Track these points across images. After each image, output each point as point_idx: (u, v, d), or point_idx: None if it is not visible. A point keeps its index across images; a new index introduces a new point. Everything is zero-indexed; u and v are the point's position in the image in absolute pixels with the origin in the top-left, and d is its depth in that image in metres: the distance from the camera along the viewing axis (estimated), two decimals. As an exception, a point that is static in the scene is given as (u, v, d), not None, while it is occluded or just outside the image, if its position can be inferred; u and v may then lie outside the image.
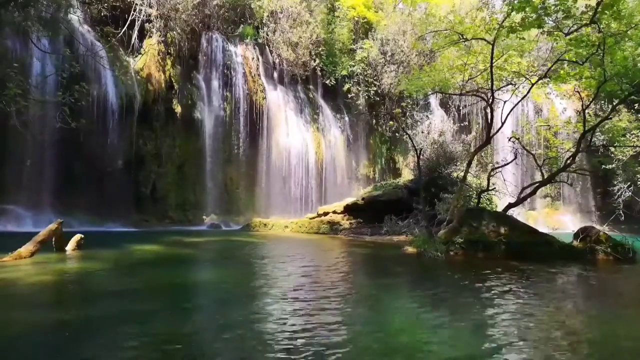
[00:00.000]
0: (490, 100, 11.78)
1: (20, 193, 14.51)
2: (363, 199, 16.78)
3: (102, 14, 17.58)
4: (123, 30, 17.77)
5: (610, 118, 13.51)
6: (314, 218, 16.99)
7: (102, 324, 4.05)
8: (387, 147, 25.71)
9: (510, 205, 11.62)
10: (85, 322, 4.07)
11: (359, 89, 24.28)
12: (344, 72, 23.97)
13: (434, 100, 25.75)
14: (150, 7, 18.54)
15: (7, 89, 11.21)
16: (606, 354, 3.63)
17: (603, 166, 19.34)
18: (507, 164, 13.04)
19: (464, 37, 11.23)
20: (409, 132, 17.45)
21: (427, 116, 22.40)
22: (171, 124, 18.94)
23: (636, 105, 18.02)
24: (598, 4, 9.28)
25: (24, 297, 5.05)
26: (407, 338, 3.80)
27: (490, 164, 20.27)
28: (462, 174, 13.22)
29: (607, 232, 10.39)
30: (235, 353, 3.32)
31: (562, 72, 11.64)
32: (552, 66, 11.49)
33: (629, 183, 19.42)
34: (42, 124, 14.33)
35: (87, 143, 15.65)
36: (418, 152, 12.54)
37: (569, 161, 11.90)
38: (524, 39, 11.22)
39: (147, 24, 18.58)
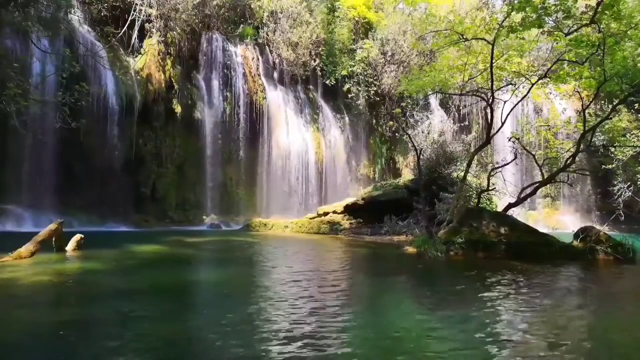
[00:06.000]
0: (490, 100, 11.78)
1: (20, 193, 14.52)
2: (363, 199, 16.78)
3: (102, 14, 17.59)
4: (123, 30, 17.78)
5: (610, 118, 13.51)
6: (314, 218, 16.99)
7: (102, 324, 4.05)
8: (387, 147, 25.71)
9: (510, 205, 11.62)
10: (85, 322, 4.06)
11: (359, 89, 24.27)
12: (344, 72, 23.96)
13: (434, 100, 25.75)
14: (150, 7, 18.54)
15: (7, 89, 11.22)
16: (606, 354, 3.63)
17: (603, 166, 19.35)
18: (507, 164, 13.03)
19: (464, 37, 11.22)
20: (409, 132, 17.45)
21: (427, 116, 22.40)
22: (171, 124, 18.95)
23: (636, 105, 18.03)
24: (598, 4, 9.28)
25: (24, 297, 5.05)
26: (407, 338, 3.80)
27: (490, 164, 20.26)
28: (462, 174, 13.22)
29: (607, 232, 10.38)
30: (235, 353, 3.32)
31: (562, 72, 11.63)
32: (552, 66, 11.49)
33: (629, 183, 19.41)
34: (42, 124, 14.34)
35: (87, 143, 15.67)
36: (418, 152, 12.54)
37: (569, 161, 11.90)
38: (524, 39, 11.21)
39: (147, 24, 18.58)
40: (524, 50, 12.01)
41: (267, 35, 22.35)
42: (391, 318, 4.46)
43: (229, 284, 6.27)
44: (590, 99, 13.29)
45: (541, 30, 11.02)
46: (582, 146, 11.74)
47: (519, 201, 11.94)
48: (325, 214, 16.97)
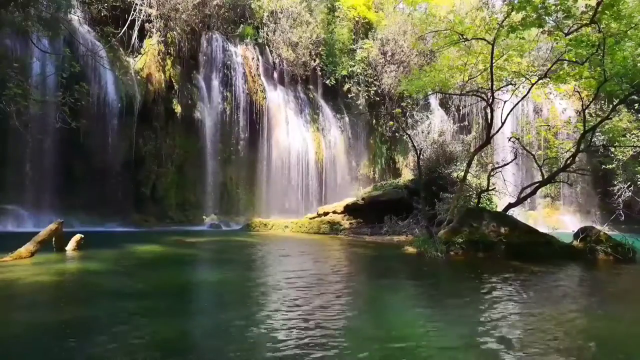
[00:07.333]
0: (490, 100, 11.77)
1: (20, 193, 14.52)
2: (363, 199, 16.78)
3: (102, 14, 17.58)
4: (123, 30, 17.78)
5: (610, 118, 13.51)
6: (314, 218, 16.99)
7: (102, 325, 4.05)
8: (387, 147, 25.72)
9: (510, 205, 11.62)
10: (85, 323, 4.07)
11: (359, 89, 24.28)
12: (344, 72, 23.97)
13: (434, 100, 25.75)
14: (150, 7, 18.54)
15: (7, 89, 11.22)
16: (606, 353, 3.63)
17: (603, 166, 19.36)
18: (507, 164, 13.04)
19: (464, 37, 11.22)
20: (409, 132, 17.45)
21: (427, 116, 22.43)
22: (171, 124, 18.95)
23: (636, 105, 18.03)
24: (598, 4, 9.27)
25: (24, 297, 5.05)
26: (407, 338, 3.80)
27: (490, 164, 20.24)
28: (462, 174, 13.22)
29: (607, 232, 10.38)
30: (235, 354, 3.32)
31: (562, 72, 11.62)
32: (552, 66, 11.49)
33: (629, 183, 19.43)
34: (42, 124, 14.33)
35: (87, 143, 15.67)
36: (418, 152, 12.53)
37: (569, 161, 11.90)
38: (524, 39, 11.21)
39: (147, 24, 18.58)
40: (524, 50, 12.00)
41: (267, 35, 22.35)
42: (392, 320, 4.46)
43: (229, 285, 6.27)
44: (590, 99, 13.27)
45: (541, 30, 11.01)
46: (582, 146, 11.74)
47: (519, 201, 11.94)
48: (325, 214, 16.97)
